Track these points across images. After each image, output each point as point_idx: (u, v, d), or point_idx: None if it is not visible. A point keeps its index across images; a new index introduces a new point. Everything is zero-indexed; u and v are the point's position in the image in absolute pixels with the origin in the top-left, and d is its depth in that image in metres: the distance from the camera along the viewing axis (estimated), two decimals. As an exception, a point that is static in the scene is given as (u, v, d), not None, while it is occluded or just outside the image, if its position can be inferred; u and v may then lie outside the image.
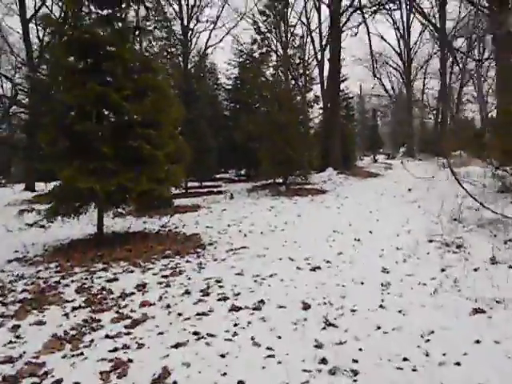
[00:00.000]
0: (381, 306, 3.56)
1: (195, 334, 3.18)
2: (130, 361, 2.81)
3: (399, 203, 9.74)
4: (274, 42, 26.52)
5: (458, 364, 2.59)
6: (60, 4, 19.63)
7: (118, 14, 6.77)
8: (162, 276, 4.73)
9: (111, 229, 7.74)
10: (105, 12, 6.66)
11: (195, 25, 26.74)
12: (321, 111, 25.07)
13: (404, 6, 28.60)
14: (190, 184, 15.45)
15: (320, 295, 3.89)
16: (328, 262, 5.03)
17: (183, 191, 14.51)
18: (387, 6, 22.52)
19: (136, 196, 6.17)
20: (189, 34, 25.97)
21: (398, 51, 36.67)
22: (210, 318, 3.51)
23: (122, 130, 6.24)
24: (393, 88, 44.76)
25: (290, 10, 26.32)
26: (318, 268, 4.80)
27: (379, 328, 3.14)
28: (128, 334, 3.24)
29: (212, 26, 27.64)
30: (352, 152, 22.31)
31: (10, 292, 4.29)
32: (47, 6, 22.23)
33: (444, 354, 2.70)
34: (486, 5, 15.43)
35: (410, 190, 11.94)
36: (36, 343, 3.08)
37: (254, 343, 3.01)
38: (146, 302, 3.89)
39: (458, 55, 24.32)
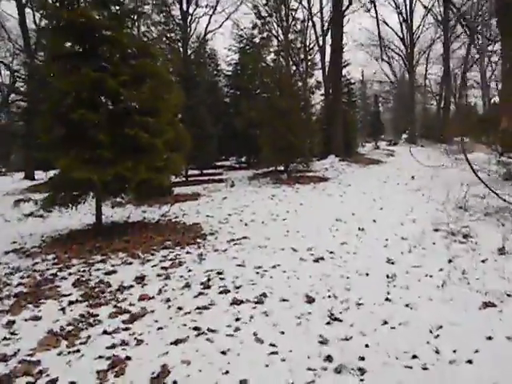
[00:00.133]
0: (387, 299, 3.45)
1: (195, 329, 3.08)
2: (128, 358, 2.71)
3: (403, 191, 9.59)
4: (275, 26, 26.09)
5: (470, 362, 2.48)
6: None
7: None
8: (162, 268, 4.62)
9: (110, 218, 7.63)
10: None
11: (194, 10, 26.21)
12: (322, 97, 24.74)
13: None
14: (190, 172, 15.31)
15: (324, 288, 3.78)
16: (331, 252, 4.91)
17: (183, 179, 14.37)
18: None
19: (134, 185, 6.02)
20: (188, 20, 25.47)
21: (401, 36, 36.12)
22: (211, 312, 3.40)
23: (119, 118, 6.06)
24: (394, 73, 44.22)
25: (291, -8, 25.76)
26: (322, 259, 4.68)
27: (386, 323, 3.03)
28: (126, 329, 3.13)
29: (212, 10, 27.13)
30: (354, 139, 22.04)
31: (5, 286, 4.18)
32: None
33: (454, 351, 2.59)
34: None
35: (413, 177, 11.79)
36: (31, 340, 2.98)
37: (257, 339, 2.90)
38: (145, 295, 3.79)
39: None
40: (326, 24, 26.70)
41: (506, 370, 2.37)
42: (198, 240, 5.87)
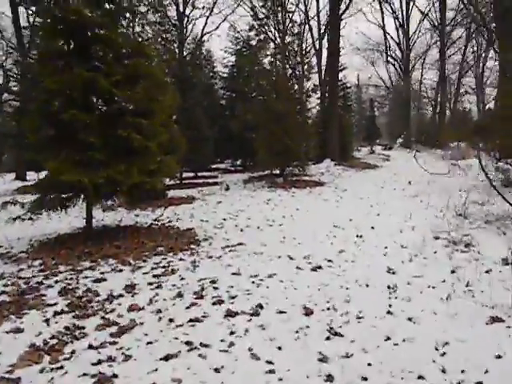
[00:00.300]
0: (388, 312, 3.29)
1: (187, 343, 2.90)
2: (115, 376, 2.53)
3: (400, 196, 9.47)
4: (272, 29, 25.96)
5: (480, 384, 2.33)
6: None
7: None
8: (153, 275, 4.43)
9: (101, 222, 7.42)
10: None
11: (191, 11, 26.02)
12: (318, 101, 24.65)
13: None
14: (184, 174, 15.11)
15: (323, 299, 3.62)
16: (329, 260, 4.75)
17: (178, 182, 14.17)
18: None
19: (126, 189, 5.82)
20: (184, 21, 25.28)
21: (397, 41, 36.16)
22: (204, 324, 3.22)
23: (112, 119, 5.87)
24: (390, 78, 44.29)
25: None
26: (319, 268, 4.52)
27: (389, 338, 2.87)
28: (114, 343, 2.95)
29: (208, 12, 26.93)
30: (349, 143, 21.94)
31: (-13, 294, 3.98)
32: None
33: (463, 371, 2.44)
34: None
35: (410, 182, 11.68)
36: (11, 355, 2.78)
37: (252, 355, 2.73)
38: (135, 305, 3.60)
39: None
40: (323, 27, 26.63)
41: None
42: (192, 246, 5.69)
